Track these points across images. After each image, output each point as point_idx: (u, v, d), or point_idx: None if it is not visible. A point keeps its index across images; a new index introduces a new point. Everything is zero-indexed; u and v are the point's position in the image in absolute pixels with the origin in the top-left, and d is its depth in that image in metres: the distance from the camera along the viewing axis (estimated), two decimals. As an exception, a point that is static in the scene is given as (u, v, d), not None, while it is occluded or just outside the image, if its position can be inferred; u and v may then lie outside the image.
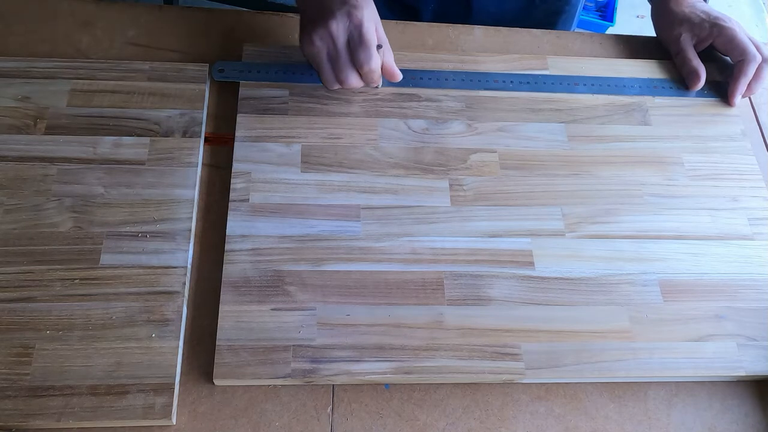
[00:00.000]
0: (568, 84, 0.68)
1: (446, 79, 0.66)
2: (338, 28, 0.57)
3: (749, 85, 0.69)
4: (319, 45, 0.58)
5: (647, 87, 0.69)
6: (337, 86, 0.61)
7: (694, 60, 0.70)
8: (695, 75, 0.69)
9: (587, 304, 0.55)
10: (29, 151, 0.56)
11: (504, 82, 0.67)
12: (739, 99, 0.69)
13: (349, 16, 0.57)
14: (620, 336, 0.53)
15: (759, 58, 0.69)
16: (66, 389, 0.47)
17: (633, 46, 0.74)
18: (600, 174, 0.62)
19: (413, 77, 0.66)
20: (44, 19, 0.66)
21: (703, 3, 0.74)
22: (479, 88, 0.66)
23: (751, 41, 0.70)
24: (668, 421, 0.52)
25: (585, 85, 0.68)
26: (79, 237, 0.53)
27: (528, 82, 0.67)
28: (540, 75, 0.68)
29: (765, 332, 0.55)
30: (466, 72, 0.67)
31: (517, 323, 0.53)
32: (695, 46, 0.71)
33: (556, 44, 0.73)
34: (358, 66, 0.58)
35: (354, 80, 0.59)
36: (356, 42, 0.57)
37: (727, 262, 0.58)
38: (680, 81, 0.70)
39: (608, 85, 0.68)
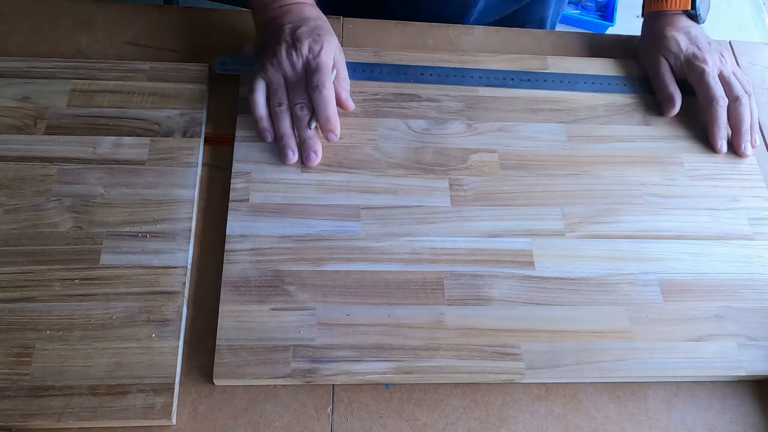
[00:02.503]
0: (569, 82, 0.68)
1: (447, 75, 0.66)
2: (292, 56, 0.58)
3: (738, 129, 0.65)
4: (274, 70, 0.59)
5: (648, 86, 0.69)
6: (283, 108, 0.59)
7: (671, 86, 0.67)
8: (670, 101, 0.67)
9: (587, 304, 0.55)
10: (29, 151, 0.56)
11: (504, 79, 0.67)
12: (723, 144, 0.65)
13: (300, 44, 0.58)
14: (620, 336, 0.53)
15: (722, 100, 0.65)
16: (66, 389, 0.47)
17: (633, 46, 0.74)
18: (600, 174, 0.62)
19: (414, 73, 0.66)
20: (44, 19, 0.66)
21: (691, 28, 0.69)
22: (480, 85, 0.66)
23: (724, 80, 0.66)
24: (668, 421, 0.52)
25: (586, 83, 0.68)
26: (79, 237, 0.53)
27: (528, 80, 0.67)
28: (540, 72, 0.68)
29: (765, 332, 0.55)
30: (467, 68, 0.67)
31: (517, 323, 0.53)
32: (675, 74, 0.69)
33: (556, 44, 0.73)
34: (313, 88, 0.57)
35: (304, 109, 0.58)
36: (313, 69, 0.58)
37: (727, 262, 0.58)
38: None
39: (608, 84, 0.68)
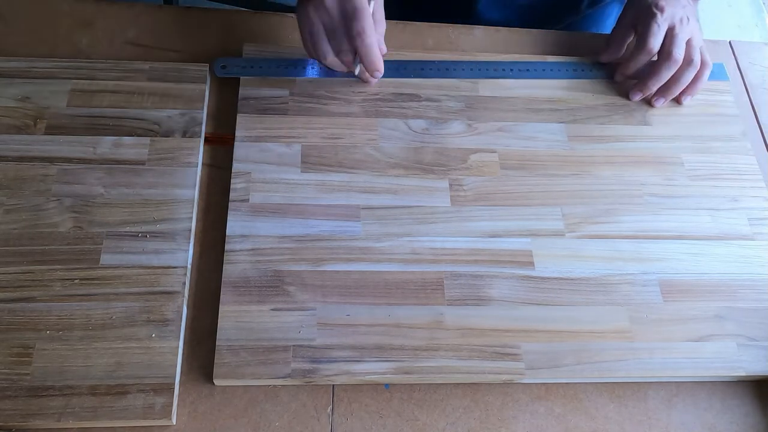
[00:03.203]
0: (567, 70, 0.68)
1: (447, 69, 0.66)
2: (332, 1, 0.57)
3: (644, 80, 0.64)
4: (314, 17, 0.58)
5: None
6: (331, 58, 0.60)
7: (611, 37, 0.67)
8: (604, 47, 0.68)
9: (587, 304, 0.55)
10: (29, 151, 0.56)
11: (504, 70, 0.67)
12: (619, 78, 0.67)
13: None
14: (620, 336, 0.53)
15: (650, 51, 0.62)
16: (66, 389, 0.47)
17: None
18: (600, 174, 0.62)
19: (414, 69, 0.66)
20: (44, 19, 0.66)
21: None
22: (480, 77, 0.66)
23: (670, 33, 0.62)
24: (668, 421, 0.52)
25: (584, 70, 0.68)
26: (79, 237, 0.53)
27: (528, 70, 0.67)
28: (539, 62, 0.68)
29: (765, 332, 0.55)
30: (466, 62, 0.67)
31: (517, 323, 0.53)
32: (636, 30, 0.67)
33: (556, 44, 0.73)
34: (354, 37, 0.57)
35: (348, 56, 0.59)
36: (350, 14, 0.57)
37: (727, 262, 0.58)
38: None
39: (608, 68, 0.68)
